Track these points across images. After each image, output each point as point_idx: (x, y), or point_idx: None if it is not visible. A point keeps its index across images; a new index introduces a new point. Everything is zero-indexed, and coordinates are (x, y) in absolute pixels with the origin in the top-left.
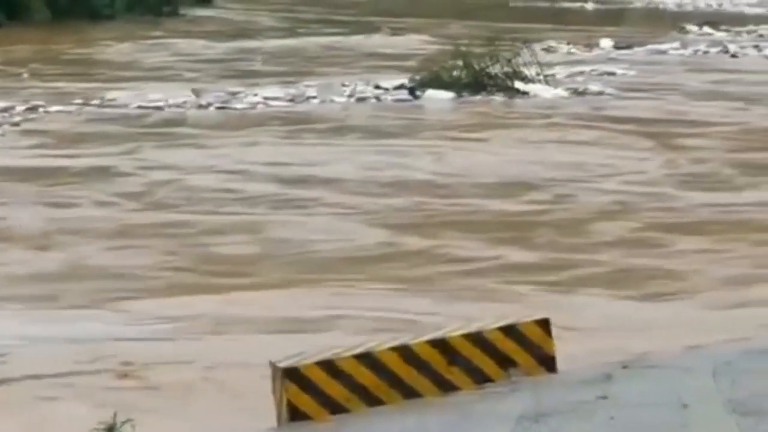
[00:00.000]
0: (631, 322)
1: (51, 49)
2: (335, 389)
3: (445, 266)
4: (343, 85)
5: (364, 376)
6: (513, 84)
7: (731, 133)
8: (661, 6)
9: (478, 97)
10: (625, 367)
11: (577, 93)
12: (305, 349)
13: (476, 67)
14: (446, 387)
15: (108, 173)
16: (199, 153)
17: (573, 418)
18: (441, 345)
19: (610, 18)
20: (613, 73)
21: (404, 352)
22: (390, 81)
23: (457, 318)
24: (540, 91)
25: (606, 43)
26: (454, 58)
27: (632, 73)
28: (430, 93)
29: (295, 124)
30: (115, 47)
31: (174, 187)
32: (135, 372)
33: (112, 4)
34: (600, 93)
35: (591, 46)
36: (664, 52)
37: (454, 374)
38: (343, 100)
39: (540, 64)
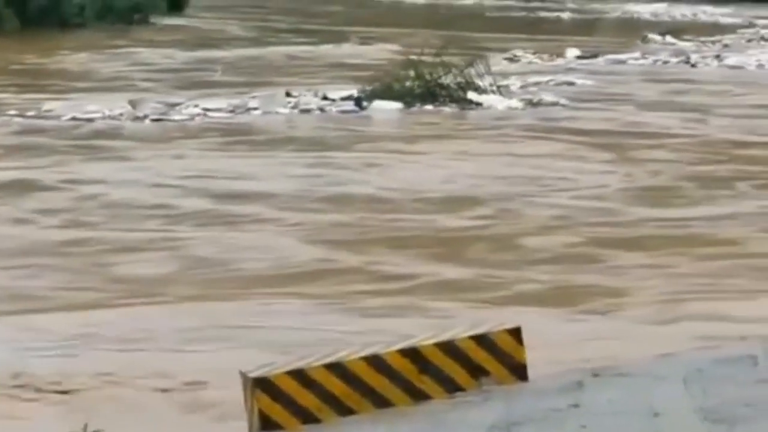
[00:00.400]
0: (560, 337)
1: (7, 58)
2: (307, 399)
3: (376, 284)
4: (288, 96)
5: (336, 385)
6: (466, 95)
7: (689, 145)
8: (636, 15)
9: (427, 108)
10: (596, 375)
11: (532, 104)
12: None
13: (428, 77)
14: (418, 396)
15: (30, 187)
16: (127, 166)
17: (544, 426)
18: (412, 354)
19: (584, 28)
20: (572, 83)
21: (375, 361)
22: (339, 92)
23: (383, 334)
24: (494, 102)
25: (572, 52)
26: (405, 69)
27: (590, 83)
28: (377, 104)
29: (232, 135)
30: (72, 57)
31: (97, 202)
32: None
33: (81, 12)
34: (555, 104)
35: (557, 55)
36: (623, 62)
37: (426, 383)
38: (286, 111)
39: (493, 75)
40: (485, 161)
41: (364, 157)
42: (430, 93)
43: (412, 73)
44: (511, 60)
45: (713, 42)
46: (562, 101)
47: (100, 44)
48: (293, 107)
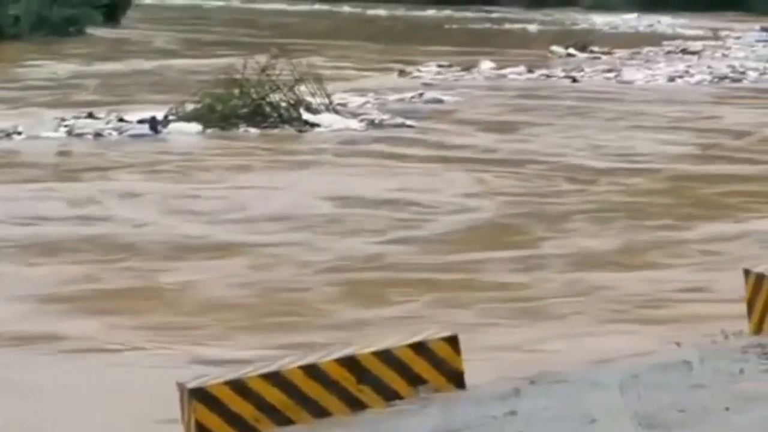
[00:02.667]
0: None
1: None
2: (244, 409)
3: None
4: (90, 118)
5: (273, 395)
6: (300, 114)
7: (537, 172)
8: (597, 27)
9: (236, 132)
10: (532, 382)
11: (374, 125)
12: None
13: (254, 95)
14: (356, 405)
15: None
16: None
17: None
18: (350, 363)
19: (541, 39)
20: (440, 101)
21: (313, 370)
22: (143, 113)
23: None
24: (332, 122)
25: (486, 65)
26: (228, 87)
27: (457, 99)
28: (176, 126)
29: None
30: None
31: None
32: None
33: (17, 24)
34: (400, 125)
35: (469, 68)
36: (504, 77)
37: (364, 392)
38: (56, 135)
39: (327, 93)
40: (260, 197)
41: (76, 189)
42: (258, 113)
43: (237, 91)
44: (402, 74)
45: (631, 55)
46: (409, 122)
47: (15, 57)
48: (69, 132)
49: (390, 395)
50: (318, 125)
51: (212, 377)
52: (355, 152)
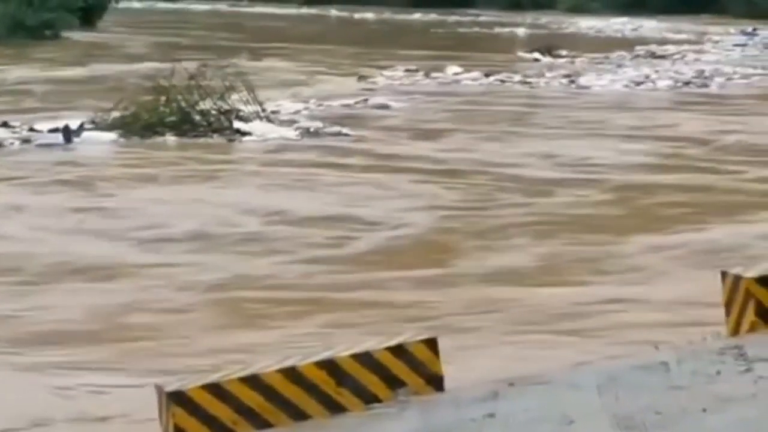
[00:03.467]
0: None
1: None
2: (223, 412)
3: None
4: (5, 126)
5: (252, 398)
6: (231, 123)
7: (480, 183)
8: (582, 31)
9: (160, 140)
10: (511, 384)
11: (309, 133)
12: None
13: (182, 103)
14: (335, 408)
15: None
16: None
17: None
18: (329, 366)
19: (525, 43)
20: (386, 106)
21: (291, 373)
22: (58, 122)
23: None
24: (265, 131)
25: (451, 70)
26: (157, 93)
27: (404, 105)
28: (91, 136)
29: None
30: None
31: None
32: None
33: None
34: (337, 133)
35: (430, 73)
36: (458, 82)
37: (343, 395)
38: None
39: (258, 101)
40: (147, 214)
41: None
42: (187, 121)
43: (163, 99)
44: (361, 78)
45: (601, 59)
46: (345, 130)
47: None
48: None
49: (369, 398)
50: (250, 134)
51: (190, 380)
52: (287, 162)
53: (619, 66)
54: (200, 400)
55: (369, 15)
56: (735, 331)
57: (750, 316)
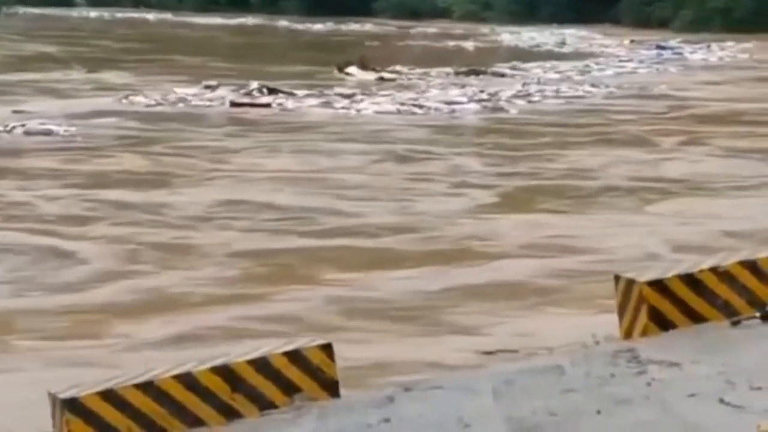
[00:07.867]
0: None
1: None
2: (117, 419)
3: None
4: None
5: (147, 405)
6: None
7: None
8: (520, 45)
9: None
10: (407, 389)
11: None
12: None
13: None
14: (230, 414)
15: None
16: None
17: None
18: (224, 372)
19: (450, 57)
20: (49, 132)
21: (187, 379)
22: None
23: None
24: None
25: (226, 89)
26: None
27: (72, 130)
28: None
29: None
30: None
31: None
32: None
33: None
34: None
35: (212, 89)
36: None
37: (238, 401)
38: None
39: None
40: None
41: None
42: None
43: None
44: (125, 97)
45: (418, 77)
46: None
47: None
48: None
49: (265, 404)
50: None
51: (85, 387)
52: None
53: (422, 86)
54: (95, 407)
55: (320, 26)
56: (628, 335)
57: (643, 319)
